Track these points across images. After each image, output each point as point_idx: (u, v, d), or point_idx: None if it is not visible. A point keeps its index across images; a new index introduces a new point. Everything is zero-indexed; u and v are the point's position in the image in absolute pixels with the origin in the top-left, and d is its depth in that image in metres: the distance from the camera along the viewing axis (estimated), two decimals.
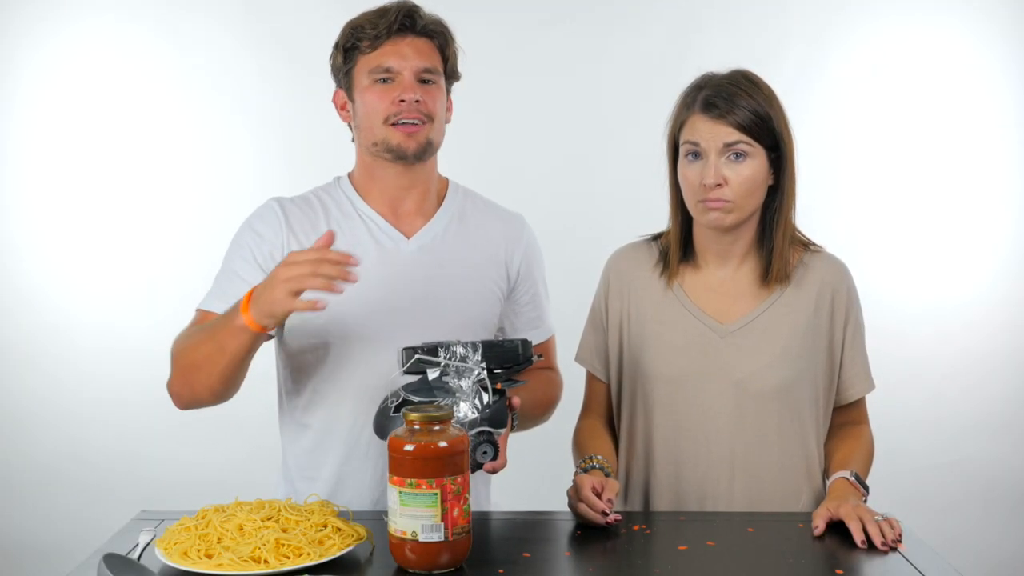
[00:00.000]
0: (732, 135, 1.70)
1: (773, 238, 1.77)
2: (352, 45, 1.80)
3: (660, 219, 1.86)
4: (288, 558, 1.41)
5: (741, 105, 1.70)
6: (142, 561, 1.46)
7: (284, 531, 1.46)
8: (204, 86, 3.21)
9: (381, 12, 1.80)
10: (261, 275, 1.76)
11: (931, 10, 3.19)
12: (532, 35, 3.18)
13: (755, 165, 1.71)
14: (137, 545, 1.54)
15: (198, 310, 1.82)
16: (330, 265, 1.53)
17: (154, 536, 1.57)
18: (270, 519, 1.49)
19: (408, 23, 1.79)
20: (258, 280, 1.74)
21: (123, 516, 1.75)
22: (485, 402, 1.56)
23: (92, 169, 3.20)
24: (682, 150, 1.75)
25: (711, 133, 1.71)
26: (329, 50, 1.86)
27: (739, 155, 1.71)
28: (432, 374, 1.56)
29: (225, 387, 1.71)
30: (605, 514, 1.60)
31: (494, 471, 1.59)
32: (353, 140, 1.88)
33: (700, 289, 1.81)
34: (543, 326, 1.97)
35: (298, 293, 1.54)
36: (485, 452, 1.56)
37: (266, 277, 1.59)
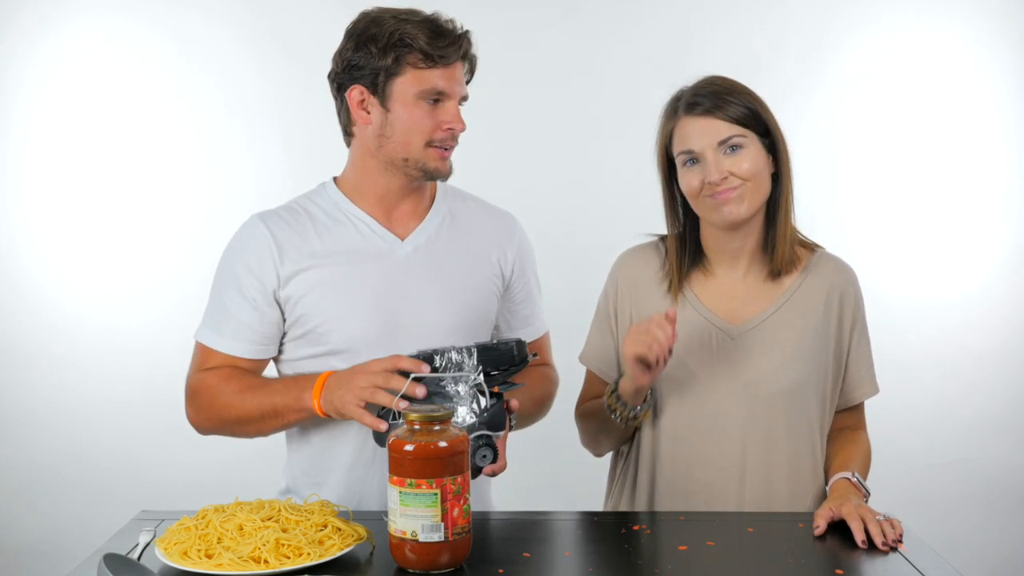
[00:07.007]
0: (723, 129, 1.71)
1: (776, 224, 1.76)
2: (399, 54, 1.72)
3: (660, 217, 1.86)
4: (288, 558, 1.41)
5: (724, 98, 1.72)
6: (142, 561, 1.46)
7: (284, 531, 1.46)
8: (204, 86, 3.21)
9: (438, 30, 1.73)
10: (253, 310, 1.77)
11: (931, 10, 3.18)
12: (530, 36, 3.17)
13: (753, 153, 1.72)
14: (137, 545, 1.54)
15: (198, 344, 1.82)
16: (399, 380, 1.57)
17: (154, 536, 1.57)
18: (270, 519, 1.49)
19: (465, 51, 1.77)
20: (251, 316, 1.77)
21: (123, 516, 1.75)
22: (483, 406, 1.57)
23: (92, 169, 3.20)
24: (678, 161, 1.75)
25: (702, 132, 1.71)
26: (330, 50, 1.79)
27: (735, 147, 1.71)
28: (429, 381, 1.57)
29: (269, 435, 1.81)
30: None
31: (493, 474, 1.60)
32: (347, 136, 1.83)
33: (710, 291, 1.81)
34: (537, 323, 1.98)
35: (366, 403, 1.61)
36: (484, 456, 1.57)
37: (346, 370, 1.66)
